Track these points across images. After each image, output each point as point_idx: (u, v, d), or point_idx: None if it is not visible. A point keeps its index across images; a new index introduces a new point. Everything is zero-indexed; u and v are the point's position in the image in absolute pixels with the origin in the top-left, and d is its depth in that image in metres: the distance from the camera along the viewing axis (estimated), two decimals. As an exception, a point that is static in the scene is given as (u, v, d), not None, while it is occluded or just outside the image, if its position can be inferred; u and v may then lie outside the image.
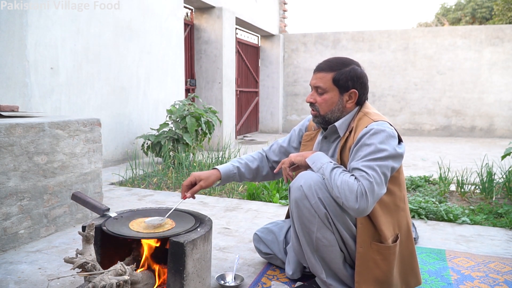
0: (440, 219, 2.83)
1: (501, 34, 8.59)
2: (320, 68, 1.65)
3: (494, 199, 3.35)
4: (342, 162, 1.61)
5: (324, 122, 1.68)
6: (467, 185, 3.66)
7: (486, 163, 3.86)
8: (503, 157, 3.48)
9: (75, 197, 1.80)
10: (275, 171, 1.78)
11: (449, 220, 2.81)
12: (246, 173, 1.90)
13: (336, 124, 1.65)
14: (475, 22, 18.36)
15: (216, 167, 1.85)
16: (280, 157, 1.92)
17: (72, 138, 2.55)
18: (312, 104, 1.67)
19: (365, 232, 1.53)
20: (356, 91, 1.63)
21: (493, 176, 3.58)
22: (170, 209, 1.81)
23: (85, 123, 2.66)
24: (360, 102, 1.66)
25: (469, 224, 2.77)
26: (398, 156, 1.51)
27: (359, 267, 1.54)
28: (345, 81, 1.61)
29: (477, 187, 3.64)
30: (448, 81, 8.92)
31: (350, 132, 1.60)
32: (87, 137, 2.68)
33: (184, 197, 1.78)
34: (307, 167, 1.60)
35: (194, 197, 1.80)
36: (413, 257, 1.64)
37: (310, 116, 1.87)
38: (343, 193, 1.43)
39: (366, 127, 1.54)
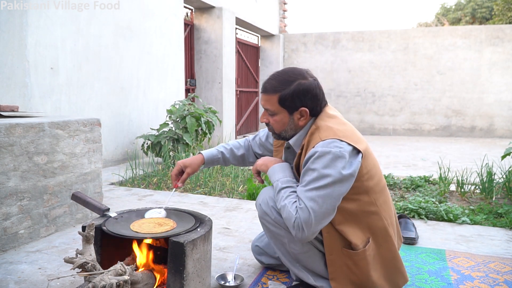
0: (440, 219, 2.83)
1: (501, 34, 8.59)
2: (264, 89, 1.59)
3: (494, 199, 3.35)
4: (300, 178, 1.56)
5: (280, 138, 1.68)
6: (467, 185, 3.66)
7: (486, 163, 3.86)
8: (503, 157, 3.48)
9: (75, 197, 1.80)
10: (253, 179, 1.83)
11: (449, 220, 2.81)
12: (231, 159, 1.96)
13: (290, 141, 1.64)
14: (475, 22, 18.36)
15: (200, 151, 1.91)
16: (260, 150, 1.97)
17: (72, 138, 2.55)
18: (267, 124, 1.66)
19: (333, 240, 1.52)
20: (306, 109, 1.56)
21: (493, 176, 3.58)
22: (170, 208, 1.81)
23: (85, 123, 2.66)
24: (315, 113, 1.59)
25: (469, 224, 2.77)
26: (344, 180, 1.43)
27: (333, 274, 1.55)
28: (291, 101, 1.54)
29: (477, 187, 3.64)
30: (448, 81, 8.92)
31: (302, 149, 1.56)
32: (87, 137, 2.68)
33: (175, 186, 1.84)
34: None
35: (183, 185, 1.89)
36: (396, 258, 1.60)
37: None
38: (284, 218, 1.50)
39: (313, 147, 1.47)
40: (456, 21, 19.53)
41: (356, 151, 1.48)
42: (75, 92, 4.27)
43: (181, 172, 1.84)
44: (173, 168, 4.30)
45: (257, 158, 1.98)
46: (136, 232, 1.56)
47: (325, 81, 9.64)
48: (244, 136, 8.81)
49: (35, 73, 3.78)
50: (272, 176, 1.60)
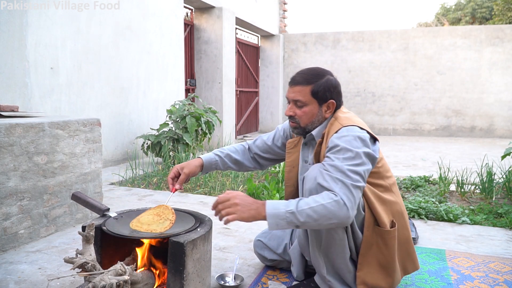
0: (440, 219, 2.83)
1: (501, 34, 8.59)
2: (296, 82, 1.65)
3: (494, 199, 3.35)
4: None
5: (303, 133, 1.71)
6: (467, 185, 3.66)
7: (486, 163, 3.86)
8: (503, 157, 3.48)
9: (75, 197, 1.80)
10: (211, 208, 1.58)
11: (449, 220, 2.81)
12: (229, 162, 1.94)
13: (313, 132, 1.68)
14: (475, 22, 18.36)
15: (204, 156, 1.88)
16: (265, 154, 1.94)
17: (72, 138, 2.55)
18: (291, 117, 1.68)
19: (369, 217, 1.57)
20: (334, 102, 1.65)
21: (493, 176, 3.58)
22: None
23: (85, 123, 2.66)
24: (336, 108, 1.69)
25: (469, 224, 2.77)
26: (368, 157, 1.52)
27: (363, 249, 1.58)
28: (323, 92, 1.63)
29: (477, 187, 3.64)
30: (448, 81, 8.92)
31: (323, 138, 1.63)
32: (87, 137, 2.68)
33: (173, 190, 1.78)
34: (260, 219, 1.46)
35: (182, 188, 1.83)
36: (409, 243, 1.67)
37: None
38: (328, 209, 1.37)
39: (336, 132, 1.56)
40: (456, 21, 19.53)
41: (374, 139, 1.61)
42: (75, 92, 4.27)
43: (177, 175, 1.80)
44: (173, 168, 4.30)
45: (255, 159, 1.96)
46: (135, 229, 1.56)
47: (325, 81, 9.64)
48: (244, 136, 8.81)
49: (35, 73, 3.78)
50: (276, 217, 1.40)
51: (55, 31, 3.97)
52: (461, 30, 8.94)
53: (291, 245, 1.88)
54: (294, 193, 1.79)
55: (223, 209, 1.45)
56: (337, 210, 1.37)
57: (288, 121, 1.92)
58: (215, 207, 1.48)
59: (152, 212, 1.67)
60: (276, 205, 1.42)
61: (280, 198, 3.36)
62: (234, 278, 1.84)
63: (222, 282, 1.81)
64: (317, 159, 1.63)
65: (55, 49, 3.98)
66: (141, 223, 1.59)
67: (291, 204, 1.41)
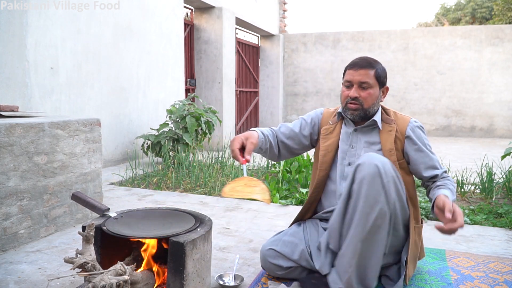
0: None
1: (501, 34, 8.59)
2: (361, 65, 1.75)
3: (494, 199, 3.35)
4: (398, 152, 1.75)
5: (364, 115, 1.77)
6: (467, 185, 3.66)
7: (486, 163, 3.86)
8: (503, 157, 3.48)
9: (75, 197, 1.80)
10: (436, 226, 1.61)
11: (449, 220, 2.81)
12: (267, 143, 1.84)
13: (375, 118, 1.77)
14: (475, 22, 18.36)
15: (250, 130, 1.77)
16: (290, 142, 1.91)
17: (72, 138, 2.55)
18: (355, 99, 1.74)
19: (413, 213, 1.70)
20: (388, 87, 1.82)
21: (493, 176, 3.58)
22: (170, 208, 1.81)
23: (85, 123, 2.66)
24: None
25: (469, 224, 2.77)
26: None
27: (412, 247, 1.67)
28: (383, 77, 1.78)
29: (477, 187, 3.64)
30: (448, 81, 8.93)
31: (394, 124, 1.77)
32: (87, 137, 2.68)
33: (244, 162, 1.63)
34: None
35: (250, 157, 1.67)
36: (420, 234, 1.81)
37: (321, 110, 1.97)
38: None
39: (409, 122, 1.77)
40: (456, 21, 19.53)
41: None
42: (75, 92, 4.27)
43: (243, 146, 1.67)
44: (173, 168, 4.30)
45: (278, 150, 1.90)
46: (232, 194, 1.50)
47: (325, 81, 9.64)
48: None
49: (35, 73, 3.78)
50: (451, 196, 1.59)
51: (55, 31, 3.97)
52: (461, 30, 8.94)
53: (309, 248, 1.78)
54: (325, 178, 1.85)
55: (452, 224, 1.40)
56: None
57: (313, 113, 1.97)
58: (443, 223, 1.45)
59: (244, 182, 1.58)
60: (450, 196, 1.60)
61: (280, 198, 3.36)
62: (234, 278, 1.84)
63: (222, 282, 1.81)
64: (395, 142, 1.74)
65: (55, 49, 3.98)
66: (237, 191, 1.52)
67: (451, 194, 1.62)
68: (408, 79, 9.14)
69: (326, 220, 1.87)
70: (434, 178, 1.75)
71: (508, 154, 3.44)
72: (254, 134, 1.73)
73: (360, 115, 1.76)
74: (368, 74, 1.73)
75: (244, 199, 1.47)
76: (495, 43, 8.61)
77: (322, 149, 1.85)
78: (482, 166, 3.84)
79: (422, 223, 1.79)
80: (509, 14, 14.75)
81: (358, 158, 1.67)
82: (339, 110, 1.87)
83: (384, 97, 1.82)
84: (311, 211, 1.93)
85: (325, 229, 1.83)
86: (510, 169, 3.60)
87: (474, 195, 3.53)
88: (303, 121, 1.95)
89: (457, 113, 8.99)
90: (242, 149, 1.67)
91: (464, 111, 8.94)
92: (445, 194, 1.56)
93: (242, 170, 1.65)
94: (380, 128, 1.77)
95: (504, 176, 3.68)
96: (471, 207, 3.10)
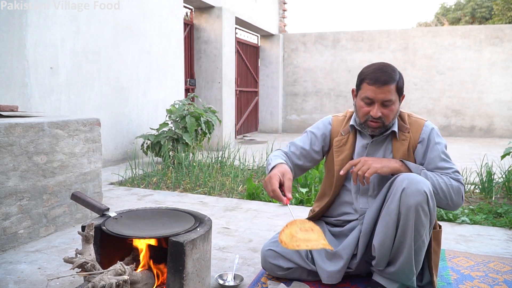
0: (440, 218, 2.83)
1: (501, 34, 8.59)
2: (384, 81, 1.63)
3: (493, 198, 3.35)
4: (410, 159, 1.73)
5: (384, 131, 1.73)
6: (467, 185, 3.66)
7: (486, 163, 3.86)
8: (503, 156, 3.48)
9: (75, 197, 1.80)
10: (341, 172, 1.70)
11: (449, 220, 2.81)
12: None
13: (394, 129, 1.74)
14: (475, 22, 18.36)
15: (277, 162, 1.70)
16: (301, 160, 1.86)
17: (72, 138, 2.55)
18: (378, 118, 1.66)
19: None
20: (404, 94, 1.74)
21: (492, 176, 3.58)
22: (170, 208, 1.80)
23: (85, 122, 2.66)
24: None
25: (469, 224, 2.77)
26: None
27: (435, 252, 1.70)
28: (402, 87, 1.71)
29: (476, 187, 3.65)
30: (447, 81, 8.93)
31: (408, 132, 1.73)
32: (87, 137, 2.68)
33: (287, 201, 1.55)
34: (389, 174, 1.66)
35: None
36: None
37: (329, 119, 1.90)
38: (455, 192, 1.62)
39: (423, 126, 1.74)
40: (455, 21, 19.54)
41: None
42: (74, 92, 4.27)
43: (281, 183, 1.60)
44: (173, 167, 4.30)
45: (294, 171, 1.84)
46: (296, 249, 1.41)
47: (325, 81, 9.64)
48: (244, 136, 8.80)
49: (35, 73, 3.78)
50: (414, 170, 1.65)
51: (55, 31, 3.97)
52: (461, 30, 8.94)
53: (309, 253, 1.79)
54: (341, 188, 1.83)
55: (358, 170, 1.62)
56: (459, 194, 1.64)
57: (321, 124, 1.90)
58: (350, 171, 1.66)
59: (294, 228, 1.49)
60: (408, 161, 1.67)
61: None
62: (234, 278, 1.84)
63: (222, 282, 1.81)
64: (409, 152, 1.72)
65: (54, 49, 3.98)
66: (297, 239, 1.42)
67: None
68: (408, 79, 9.14)
69: (332, 225, 1.88)
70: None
71: (508, 154, 3.44)
72: (287, 168, 1.66)
73: (381, 131, 1.72)
74: (391, 90, 1.64)
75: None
76: (495, 43, 8.61)
77: (337, 164, 1.79)
78: (481, 166, 3.84)
79: (440, 228, 1.74)
80: (509, 14, 14.76)
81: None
82: (351, 123, 1.80)
83: (400, 104, 1.74)
84: (318, 217, 1.93)
85: (333, 235, 1.83)
86: (509, 169, 3.60)
87: (474, 195, 3.53)
88: (313, 136, 1.88)
89: (456, 113, 8.99)
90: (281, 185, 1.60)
91: (464, 111, 8.94)
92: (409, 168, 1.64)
93: (290, 212, 1.57)
94: (397, 137, 1.74)
95: (503, 176, 3.68)
96: (471, 206, 3.10)
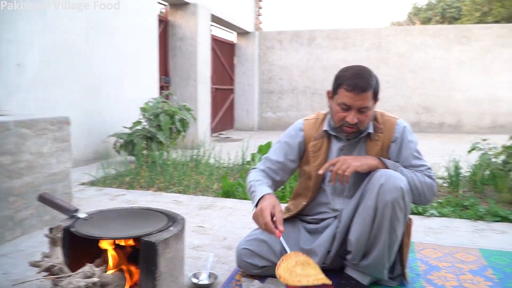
0: (410, 212, 2.89)
1: (469, 34, 8.85)
2: (362, 88, 1.62)
3: (460, 192, 3.45)
4: (382, 155, 1.75)
5: (358, 134, 1.74)
6: (436, 181, 3.75)
7: (454, 158, 3.98)
8: (469, 151, 3.59)
9: (42, 198, 1.75)
10: (320, 171, 1.70)
11: (418, 213, 2.88)
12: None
13: (369, 130, 1.75)
14: (445, 21, 18.85)
15: (265, 193, 1.70)
16: (279, 175, 1.85)
17: (40, 137, 2.48)
18: (353, 124, 1.66)
19: None
20: (379, 98, 1.72)
21: (460, 170, 3.70)
22: (142, 207, 1.78)
23: (53, 121, 2.59)
24: None
25: (437, 216, 2.85)
26: None
27: (406, 244, 1.74)
28: (378, 92, 1.70)
29: (445, 181, 3.75)
30: (419, 79, 9.14)
31: (382, 133, 1.75)
32: (55, 136, 2.60)
33: (280, 234, 1.58)
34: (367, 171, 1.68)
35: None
36: None
37: (300, 125, 1.87)
38: (427, 188, 1.68)
39: (396, 125, 1.76)
40: (426, 21, 20.00)
41: None
42: (43, 90, 4.14)
43: (272, 215, 1.62)
44: (146, 166, 4.24)
45: (274, 188, 1.85)
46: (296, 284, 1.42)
47: (301, 79, 9.70)
48: (219, 134, 8.77)
49: (0, 70, 3.65)
50: (391, 167, 1.68)
51: (22, 26, 3.84)
52: (431, 30, 9.17)
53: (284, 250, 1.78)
54: (318, 190, 1.83)
55: (337, 169, 1.64)
56: (431, 190, 1.71)
57: (293, 132, 1.88)
58: (329, 170, 1.68)
59: (291, 262, 1.51)
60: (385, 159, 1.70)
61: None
62: (208, 276, 1.83)
63: (196, 281, 1.80)
64: (382, 152, 1.75)
65: (21, 45, 3.85)
66: (297, 275, 1.43)
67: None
68: (381, 77, 9.20)
69: (307, 222, 1.89)
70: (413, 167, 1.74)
71: (474, 149, 3.56)
72: (275, 200, 1.67)
73: (355, 136, 1.73)
74: (368, 97, 1.63)
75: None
76: (463, 42, 8.87)
77: (314, 170, 1.79)
78: (450, 160, 3.95)
79: (411, 221, 1.77)
80: (476, 15, 15.21)
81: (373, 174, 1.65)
82: (325, 128, 1.80)
83: (375, 106, 1.74)
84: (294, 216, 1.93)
85: (309, 231, 1.84)
86: (476, 163, 3.73)
87: (442, 189, 3.63)
88: (286, 146, 1.86)
89: (427, 110, 9.22)
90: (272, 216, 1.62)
91: (434, 108, 9.17)
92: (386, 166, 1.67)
93: (283, 245, 1.57)
94: (371, 138, 1.76)
95: (470, 170, 3.80)
96: (439, 200, 3.19)
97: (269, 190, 1.73)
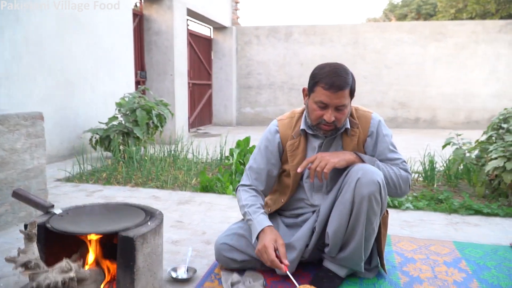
0: (386, 205, 2.96)
1: (444, 30, 9.05)
2: (339, 87, 1.61)
3: (435, 186, 3.55)
4: (360, 152, 1.77)
5: (335, 132, 1.74)
6: (411, 174, 3.84)
7: (429, 153, 4.08)
8: (444, 146, 3.69)
9: (16, 194, 1.70)
10: (299, 170, 1.71)
11: (394, 207, 2.95)
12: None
13: (346, 126, 1.76)
14: (420, 18, 19.22)
15: (264, 226, 1.70)
16: (267, 181, 1.86)
17: (12, 133, 2.41)
18: (330, 122, 1.66)
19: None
20: (354, 95, 1.73)
21: (434, 165, 3.79)
22: (120, 202, 1.76)
23: (26, 117, 2.53)
24: None
25: (412, 210, 2.92)
26: None
27: (384, 235, 1.79)
28: (354, 90, 1.71)
29: (420, 175, 3.85)
30: (394, 74, 9.30)
31: (357, 128, 1.77)
32: (29, 132, 2.54)
33: (286, 268, 1.62)
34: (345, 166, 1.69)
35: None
36: None
37: (275, 127, 1.87)
38: (402, 180, 1.72)
39: (371, 119, 1.78)
40: (402, 17, 20.35)
41: None
42: (15, 85, 4.02)
43: (275, 249, 1.65)
44: (123, 162, 4.18)
45: (264, 195, 1.90)
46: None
47: (278, 74, 9.73)
48: (197, 129, 8.71)
49: (-30, 63, 3.52)
50: (368, 161, 1.70)
51: (-8, 19, 3.71)
52: (407, 26, 9.33)
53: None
54: (299, 190, 1.85)
55: (316, 166, 1.65)
56: (406, 182, 1.74)
57: (269, 135, 1.87)
58: (308, 168, 1.71)
59: None
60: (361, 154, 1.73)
61: (234, 190, 3.37)
62: (187, 271, 1.83)
63: (175, 275, 1.80)
64: (358, 148, 1.77)
65: (-9, 38, 3.73)
66: None
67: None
68: (358, 72, 9.42)
69: (285, 217, 1.91)
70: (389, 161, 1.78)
71: (448, 144, 3.66)
72: (277, 233, 1.69)
73: (332, 134, 1.73)
74: (345, 95, 1.63)
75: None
76: (439, 38, 9.07)
77: (292, 169, 1.80)
78: (425, 155, 4.05)
79: (387, 213, 1.82)
80: (452, 11, 15.56)
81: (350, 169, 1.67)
82: (302, 127, 1.79)
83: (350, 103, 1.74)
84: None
85: (287, 226, 1.87)
86: (450, 158, 3.83)
87: (418, 183, 3.72)
88: (267, 152, 1.86)
89: (403, 105, 9.41)
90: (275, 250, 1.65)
91: (409, 104, 9.36)
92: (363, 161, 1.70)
93: (291, 279, 1.61)
94: (348, 134, 1.77)
95: (444, 165, 3.91)
96: (415, 194, 3.27)
97: (267, 221, 1.72)
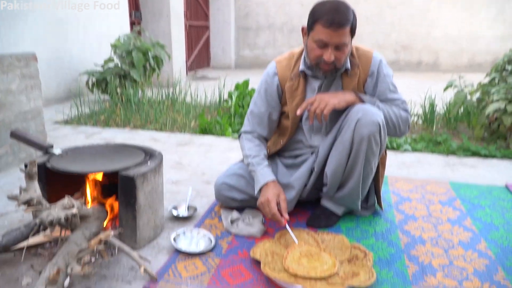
0: (385, 146, 2.97)
1: (451, -32, 8.62)
2: (339, 24, 1.53)
3: (435, 129, 3.55)
4: (359, 90, 1.75)
5: (335, 71, 1.67)
6: (411, 116, 3.83)
7: (429, 96, 4.03)
8: (445, 89, 3.65)
9: (14, 135, 1.69)
10: (298, 112, 1.67)
11: (393, 149, 2.97)
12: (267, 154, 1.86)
13: (346, 66, 1.70)
14: (427, -45, 18.26)
15: (268, 180, 1.69)
16: (270, 125, 1.85)
17: (6, 74, 2.36)
18: (328, 63, 1.60)
19: None
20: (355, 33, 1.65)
21: (435, 108, 3.77)
22: (119, 144, 1.75)
23: (19, 57, 2.46)
24: None
25: (410, 151, 2.94)
26: None
27: (380, 182, 1.83)
28: (356, 28, 1.61)
29: (420, 117, 3.84)
30: (398, 15, 8.98)
31: (358, 68, 1.72)
32: (23, 73, 2.48)
33: (285, 222, 1.61)
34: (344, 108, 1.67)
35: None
36: None
37: (273, 69, 1.82)
38: (402, 121, 1.71)
39: (372, 59, 1.72)
40: (408, -46, 19.33)
41: None
42: (6, 25, 3.88)
43: (277, 203, 1.65)
44: (121, 105, 4.14)
45: (269, 137, 1.89)
46: (289, 272, 1.39)
47: (277, 15, 9.40)
48: (195, 72, 8.56)
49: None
50: (368, 101, 1.68)
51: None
52: (413, -37, 8.88)
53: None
54: (298, 131, 1.84)
55: (315, 108, 1.62)
56: (406, 123, 1.74)
57: (268, 78, 1.82)
58: (307, 110, 1.67)
59: (296, 254, 1.48)
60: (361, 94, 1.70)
61: (233, 132, 3.37)
62: (188, 209, 1.88)
63: (176, 213, 1.84)
64: (358, 88, 1.73)
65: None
66: (308, 267, 1.40)
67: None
68: (359, 12, 9.03)
69: (284, 157, 1.92)
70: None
71: (450, 86, 3.61)
72: (280, 188, 1.68)
73: (332, 73, 1.67)
74: (345, 33, 1.55)
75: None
76: (445, -23, 8.65)
77: (292, 111, 1.77)
78: (425, 98, 4.01)
79: (385, 153, 1.84)
80: None
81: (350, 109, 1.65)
82: (301, 68, 1.74)
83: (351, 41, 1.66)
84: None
85: (286, 166, 1.87)
86: (450, 101, 3.80)
87: (417, 126, 3.72)
88: (267, 95, 1.82)
89: (405, 48, 9.18)
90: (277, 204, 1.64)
91: (412, 46, 9.13)
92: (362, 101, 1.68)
93: (290, 233, 1.59)
94: (348, 74, 1.72)
95: (445, 108, 3.88)
96: (414, 136, 3.27)
97: (271, 175, 1.71)
